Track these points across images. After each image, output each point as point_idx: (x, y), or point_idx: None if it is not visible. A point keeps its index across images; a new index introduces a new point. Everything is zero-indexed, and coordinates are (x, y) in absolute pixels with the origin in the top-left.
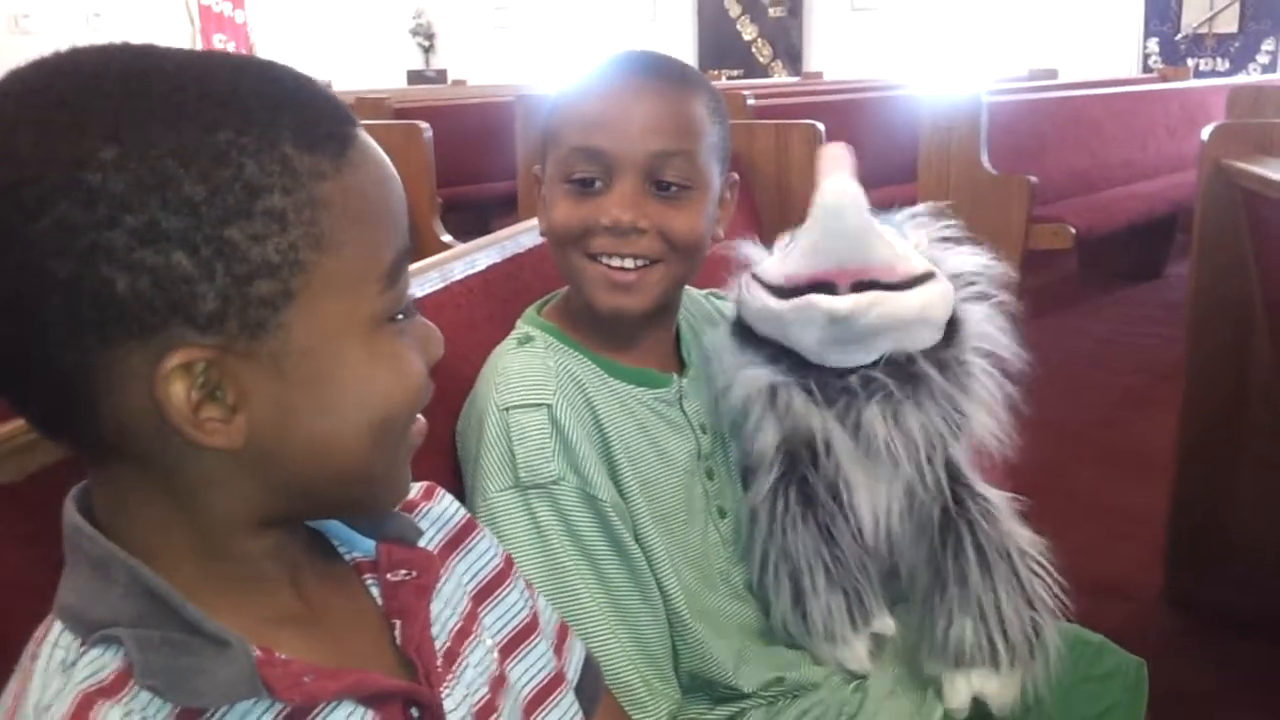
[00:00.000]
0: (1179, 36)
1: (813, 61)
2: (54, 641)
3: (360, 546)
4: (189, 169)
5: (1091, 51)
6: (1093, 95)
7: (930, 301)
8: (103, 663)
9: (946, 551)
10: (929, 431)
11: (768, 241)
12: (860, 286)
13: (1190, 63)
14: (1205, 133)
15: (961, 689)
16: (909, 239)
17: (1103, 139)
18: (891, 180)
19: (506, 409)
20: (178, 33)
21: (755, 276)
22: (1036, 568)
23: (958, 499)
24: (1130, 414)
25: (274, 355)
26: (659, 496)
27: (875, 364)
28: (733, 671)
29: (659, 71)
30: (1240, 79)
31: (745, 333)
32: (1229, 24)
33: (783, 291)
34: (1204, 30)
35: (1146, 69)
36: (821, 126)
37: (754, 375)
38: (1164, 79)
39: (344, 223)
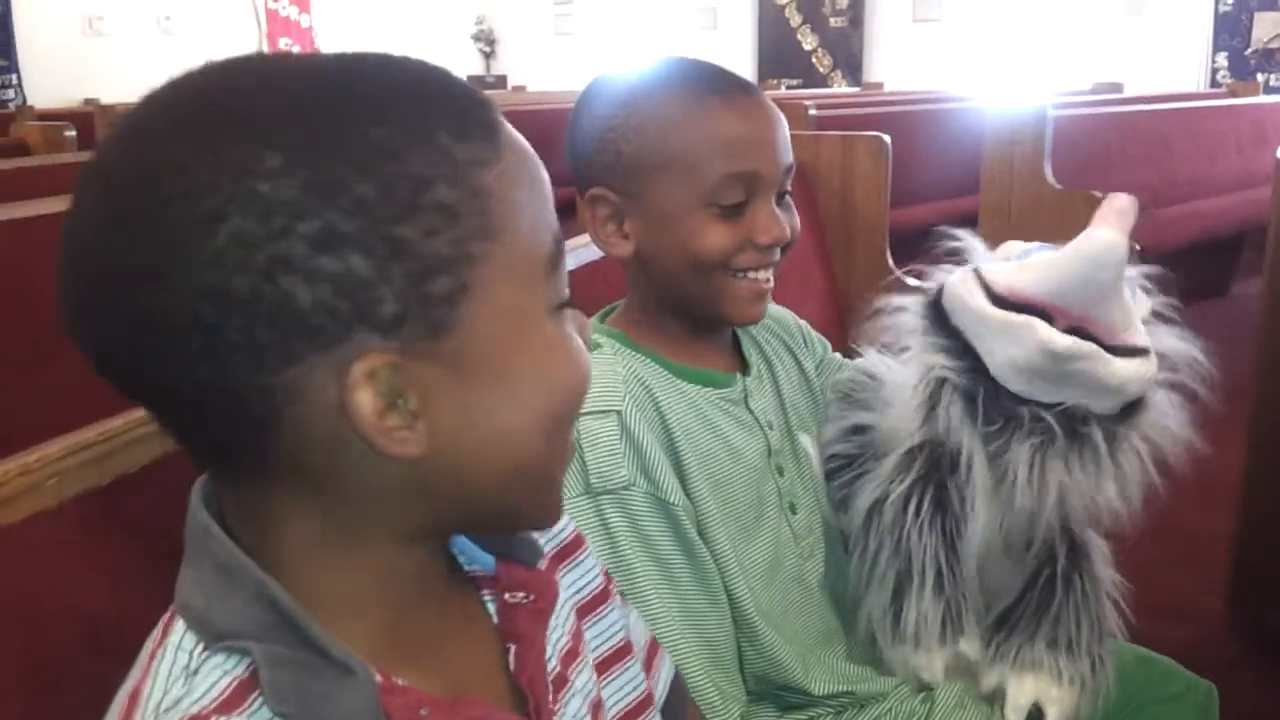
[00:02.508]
0: (1249, 51)
1: (873, 72)
2: (177, 643)
3: (479, 560)
4: (354, 168)
5: (1157, 65)
6: (1160, 110)
7: (1131, 379)
8: (225, 669)
9: (1037, 586)
10: (1064, 489)
11: (830, 252)
12: (1075, 332)
13: (1260, 78)
14: None
15: (1029, 688)
16: (1135, 303)
17: (1170, 154)
18: (954, 193)
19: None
20: (245, 36)
21: (979, 274)
22: (1112, 605)
23: (1060, 541)
24: (1196, 433)
25: (455, 354)
26: (731, 496)
27: (1050, 407)
28: (802, 674)
29: (752, 85)
30: None
31: (939, 316)
32: None
33: (1001, 301)
34: (1275, 45)
35: (1214, 83)
36: (888, 139)
37: (934, 360)
38: (1233, 94)
39: (508, 209)
